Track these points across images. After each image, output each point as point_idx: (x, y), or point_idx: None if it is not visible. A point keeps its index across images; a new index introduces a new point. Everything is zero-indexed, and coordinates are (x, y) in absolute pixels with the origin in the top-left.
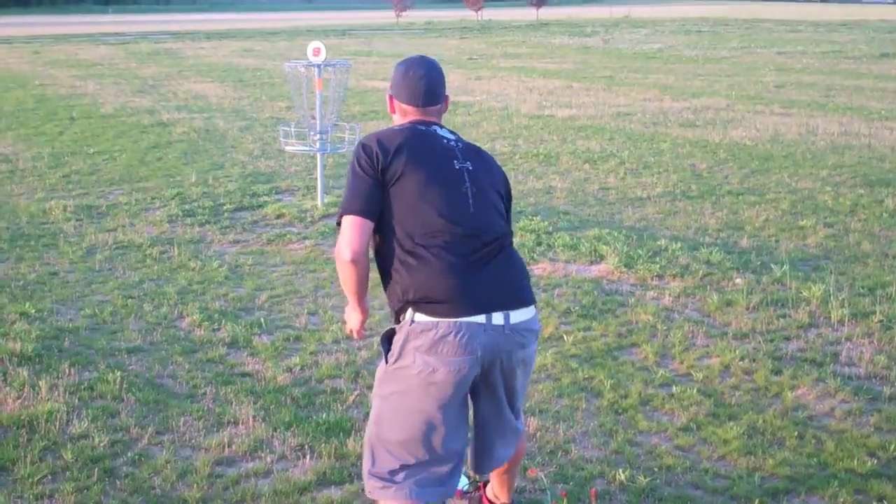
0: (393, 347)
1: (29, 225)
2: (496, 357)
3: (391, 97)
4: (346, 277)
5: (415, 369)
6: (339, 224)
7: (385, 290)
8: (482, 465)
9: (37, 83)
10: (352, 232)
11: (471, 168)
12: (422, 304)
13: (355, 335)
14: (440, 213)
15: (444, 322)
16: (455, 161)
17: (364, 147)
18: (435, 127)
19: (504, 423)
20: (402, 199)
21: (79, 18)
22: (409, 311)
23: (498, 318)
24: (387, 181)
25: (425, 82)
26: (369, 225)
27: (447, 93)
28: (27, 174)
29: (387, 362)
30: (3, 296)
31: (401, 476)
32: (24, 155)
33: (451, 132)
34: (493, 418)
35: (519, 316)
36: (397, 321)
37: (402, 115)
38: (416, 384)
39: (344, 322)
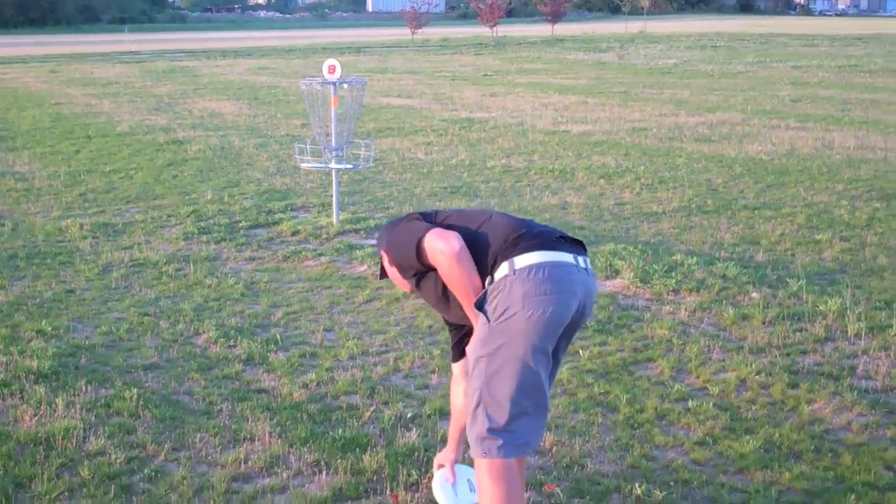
0: (493, 304)
1: (45, 243)
2: (586, 298)
3: (386, 252)
4: (464, 266)
5: (523, 315)
6: (418, 250)
7: None
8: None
9: (53, 102)
10: (441, 230)
11: None
12: (517, 250)
13: None
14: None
15: (547, 262)
16: None
17: (406, 216)
18: None
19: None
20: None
21: (95, 38)
22: (506, 265)
23: (580, 260)
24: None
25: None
26: None
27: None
28: (43, 193)
29: (489, 321)
30: (20, 314)
31: (517, 427)
32: (40, 174)
33: None
34: (555, 368)
35: (586, 261)
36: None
37: None
38: (522, 329)
39: None
